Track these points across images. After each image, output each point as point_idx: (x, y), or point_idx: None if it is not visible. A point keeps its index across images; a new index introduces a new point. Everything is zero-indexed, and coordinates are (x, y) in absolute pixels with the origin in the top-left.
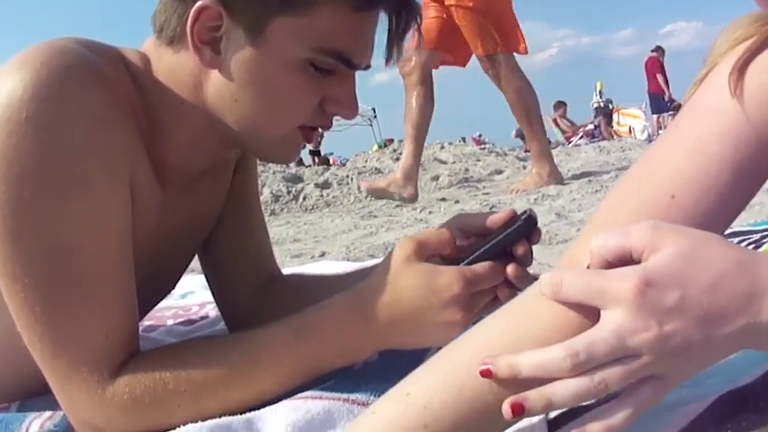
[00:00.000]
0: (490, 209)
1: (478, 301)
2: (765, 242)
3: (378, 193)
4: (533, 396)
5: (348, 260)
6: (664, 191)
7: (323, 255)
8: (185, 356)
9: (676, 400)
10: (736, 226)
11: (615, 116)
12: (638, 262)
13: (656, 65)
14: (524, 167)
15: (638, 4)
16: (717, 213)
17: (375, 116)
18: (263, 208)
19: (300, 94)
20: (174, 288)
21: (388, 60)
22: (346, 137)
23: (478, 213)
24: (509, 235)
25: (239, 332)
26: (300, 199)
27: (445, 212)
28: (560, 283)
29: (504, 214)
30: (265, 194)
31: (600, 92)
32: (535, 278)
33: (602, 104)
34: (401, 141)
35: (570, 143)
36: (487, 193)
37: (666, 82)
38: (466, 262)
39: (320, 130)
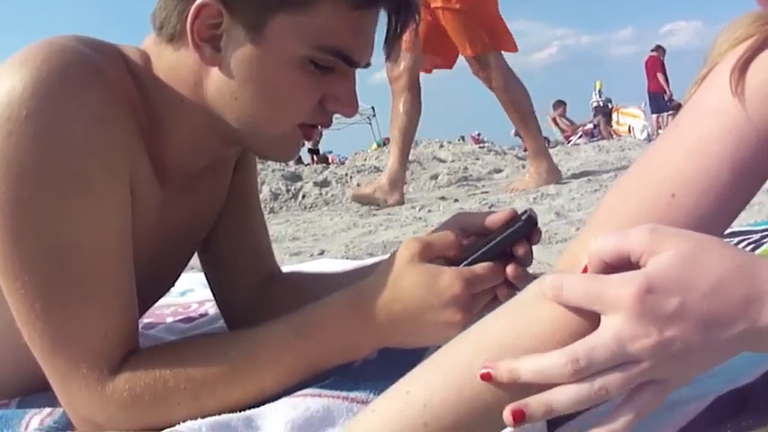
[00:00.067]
0: (489, 208)
1: (478, 302)
2: (765, 242)
3: (364, 200)
4: (534, 403)
5: (347, 258)
6: (664, 190)
7: (322, 253)
8: (185, 354)
9: (676, 400)
10: (735, 226)
11: (614, 115)
12: (637, 265)
13: (656, 64)
14: (523, 166)
15: (638, 4)
16: (717, 213)
17: (374, 115)
18: (262, 206)
19: (300, 92)
20: (173, 285)
21: (387, 58)
22: (345, 135)
23: (478, 212)
24: (509, 235)
25: (239, 330)
26: (299, 197)
27: (444, 211)
28: (561, 286)
29: (505, 214)
30: (264, 193)
31: (599, 91)
32: (535, 278)
33: (601, 104)
34: None
35: (569, 142)
36: (486, 192)
37: (667, 81)
38: (466, 262)
39: (320, 128)
